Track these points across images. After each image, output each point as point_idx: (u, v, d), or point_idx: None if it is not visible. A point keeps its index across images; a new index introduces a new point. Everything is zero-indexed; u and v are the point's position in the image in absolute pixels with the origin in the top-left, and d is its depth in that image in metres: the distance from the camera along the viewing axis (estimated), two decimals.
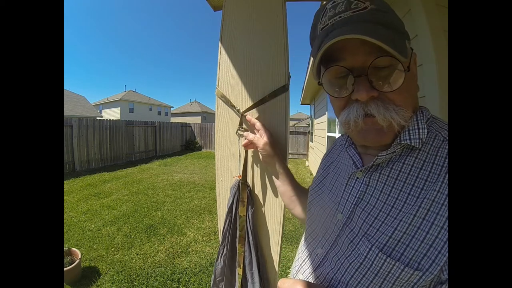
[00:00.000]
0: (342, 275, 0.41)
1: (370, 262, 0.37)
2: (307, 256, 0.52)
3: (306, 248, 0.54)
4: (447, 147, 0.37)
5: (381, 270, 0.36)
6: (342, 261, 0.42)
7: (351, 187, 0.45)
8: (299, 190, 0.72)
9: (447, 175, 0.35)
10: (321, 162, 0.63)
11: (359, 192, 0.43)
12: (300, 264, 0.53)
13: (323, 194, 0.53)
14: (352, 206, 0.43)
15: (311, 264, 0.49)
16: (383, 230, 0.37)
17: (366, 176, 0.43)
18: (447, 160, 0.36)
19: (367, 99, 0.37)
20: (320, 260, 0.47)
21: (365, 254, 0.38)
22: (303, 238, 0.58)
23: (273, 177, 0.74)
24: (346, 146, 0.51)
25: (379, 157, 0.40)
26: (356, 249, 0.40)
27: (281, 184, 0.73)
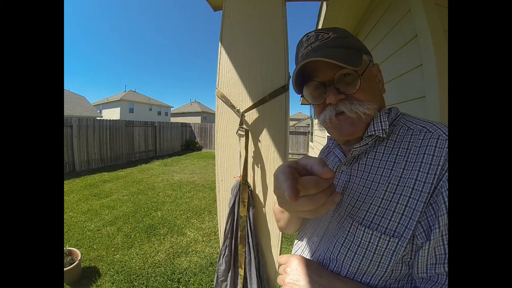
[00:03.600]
0: (331, 253, 0.46)
1: (353, 235, 0.43)
2: (305, 246, 0.56)
3: (303, 238, 0.58)
4: (410, 133, 0.44)
5: (362, 241, 0.41)
6: (331, 240, 0.48)
7: (337, 179, 0.51)
8: None
9: (410, 154, 0.42)
10: None
11: (344, 182, 0.50)
12: (302, 251, 0.57)
13: None
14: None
15: (309, 251, 0.54)
16: (362, 208, 0.43)
17: (349, 168, 0.50)
18: (410, 143, 0.43)
19: (337, 101, 0.47)
20: (316, 246, 0.52)
21: (348, 229, 0.44)
22: (298, 234, 0.61)
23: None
24: (332, 147, 0.59)
25: (355, 149, 0.48)
26: (341, 227, 0.46)
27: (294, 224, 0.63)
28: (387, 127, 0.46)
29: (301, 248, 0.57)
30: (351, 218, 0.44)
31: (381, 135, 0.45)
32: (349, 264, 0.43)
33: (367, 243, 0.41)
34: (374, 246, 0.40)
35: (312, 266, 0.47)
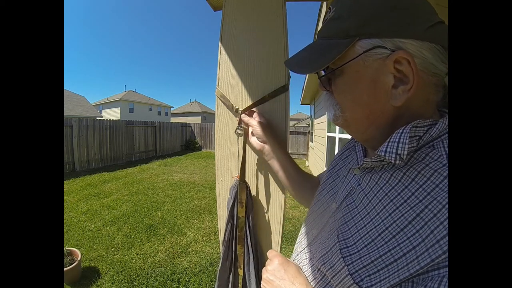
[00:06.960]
0: (314, 256, 0.46)
1: (331, 255, 0.41)
2: (305, 235, 0.56)
3: (305, 227, 0.57)
4: (443, 172, 0.32)
5: (335, 266, 0.40)
6: (320, 245, 0.46)
7: (348, 181, 0.47)
8: (303, 177, 0.73)
9: (430, 204, 0.32)
10: (336, 155, 0.62)
11: (351, 188, 0.45)
12: (301, 239, 0.57)
13: (331, 184, 0.55)
14: (343, 198, 0.46)
15: (306, 241, 0.54)
16: (351, 233, 0.40)
17: (362, 174, 0.44)
18: (437, 188, 0.32)
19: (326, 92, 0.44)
20: (312, 239, 0.51)
21: (330, 246, 0.42)
22: (304, 221, 0.60)
23: (275, 168, 0.74)
24: (355, 141, 0.53)
25: (365, 162, 0.41)
26: (329, 238, 0.44)
27: (286, 177, 0.72)
28: (405, 152, 0.33)
29: (301, 236, 0.57)
30: (337, 236, 0.41)
31: (393, 161, 0.34)
32: (320, 278, 0.44)
33: (338, 270, 0.39)
34: (342, 277, 0.38)
35: (290, 271, 0.47)
